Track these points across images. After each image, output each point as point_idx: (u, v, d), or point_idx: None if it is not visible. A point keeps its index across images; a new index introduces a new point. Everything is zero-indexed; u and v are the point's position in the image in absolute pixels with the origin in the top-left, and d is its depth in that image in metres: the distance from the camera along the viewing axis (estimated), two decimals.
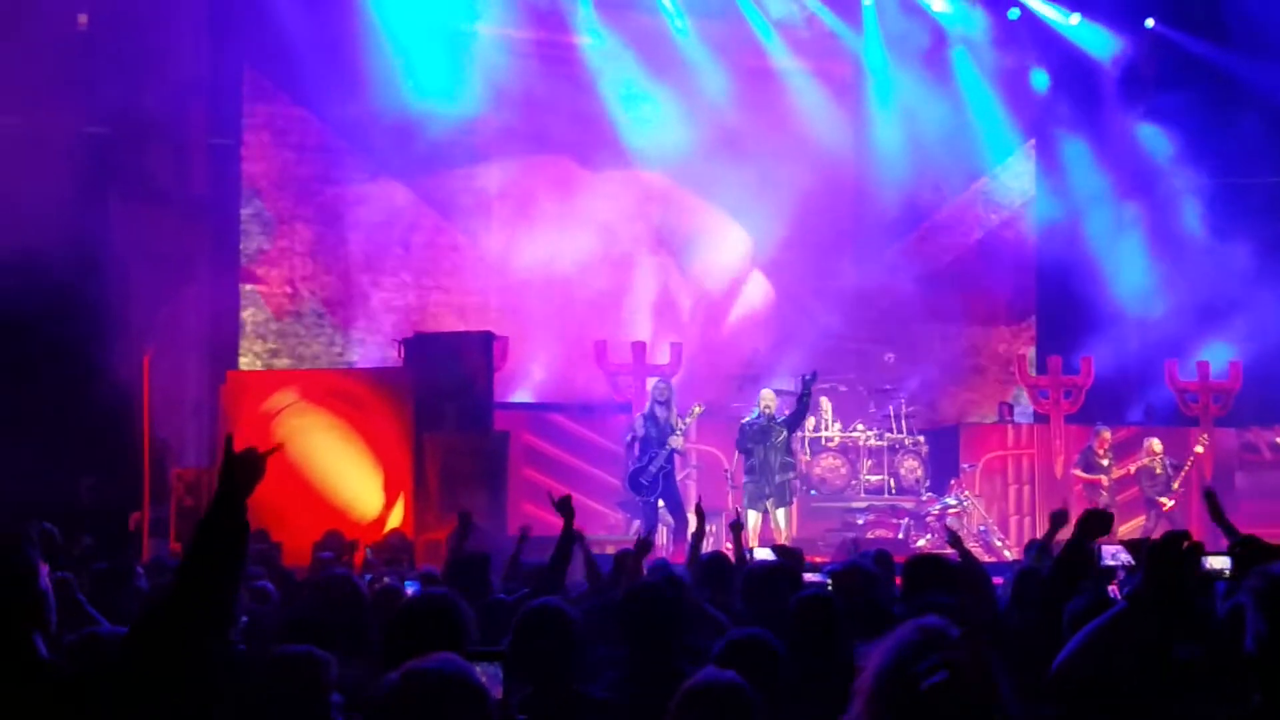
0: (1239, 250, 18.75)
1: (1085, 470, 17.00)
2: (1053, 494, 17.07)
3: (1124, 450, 17.38)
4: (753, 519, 14.36)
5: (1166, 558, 2.86)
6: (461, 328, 17.37)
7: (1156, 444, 17.05)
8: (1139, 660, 2.91)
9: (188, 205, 16.25)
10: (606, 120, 19.25)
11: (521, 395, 18.20)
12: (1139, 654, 2.89)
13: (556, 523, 7.13)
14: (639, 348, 17.47)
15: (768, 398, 14.89)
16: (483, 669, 3.10)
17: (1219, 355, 18.72)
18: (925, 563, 5.99)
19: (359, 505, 14.05)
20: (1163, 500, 16.63)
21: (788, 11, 20.22)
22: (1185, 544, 2.89)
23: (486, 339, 14.85)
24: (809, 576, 6.37)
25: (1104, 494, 16.60)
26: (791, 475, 14.81)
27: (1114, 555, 6.40)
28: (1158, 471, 16.83)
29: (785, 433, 14.54)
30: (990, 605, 6.01)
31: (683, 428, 14.72)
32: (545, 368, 18.66)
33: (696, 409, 15.02)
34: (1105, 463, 16.90)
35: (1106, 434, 16.99)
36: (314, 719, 3.45)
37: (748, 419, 14.82)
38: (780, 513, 14.51)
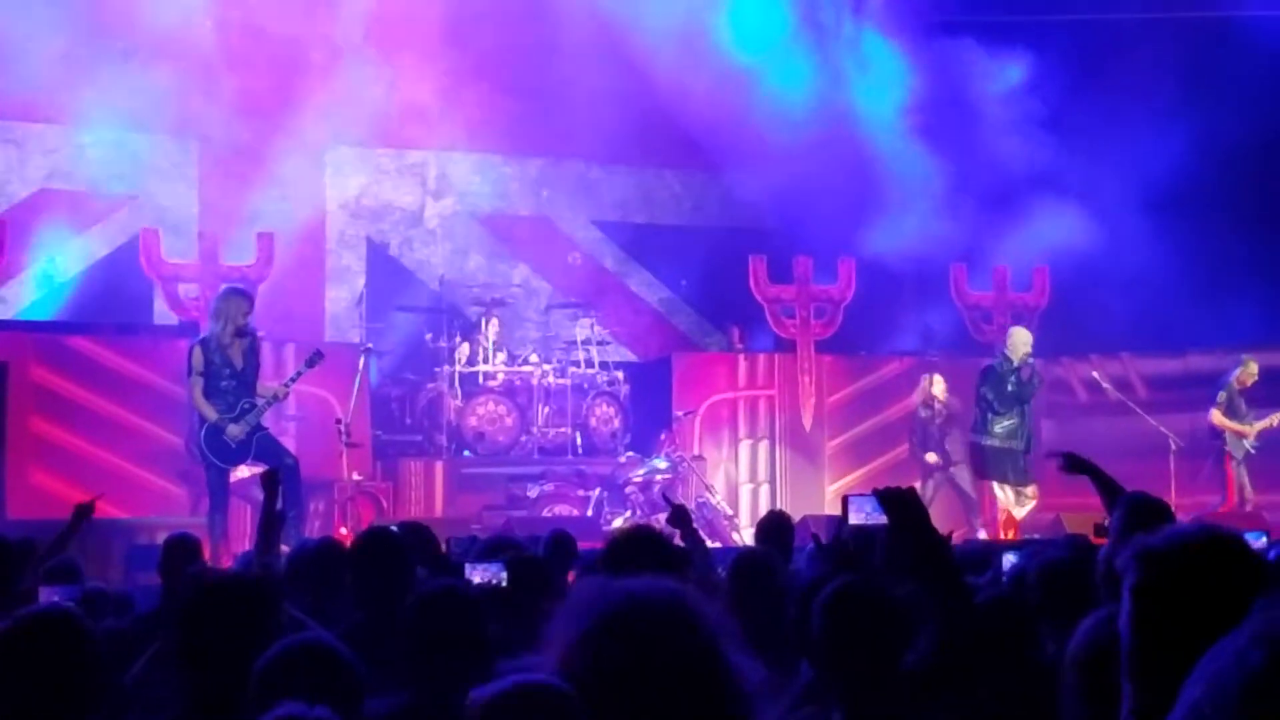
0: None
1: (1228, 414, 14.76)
2: (801, 450, 15.12)
3: (897, 388, 15.95)
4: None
5: (895, 502, 4.22)
6: None
7: (939, 383, 15.29)
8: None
9: None
10: None
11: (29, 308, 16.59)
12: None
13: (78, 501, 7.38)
14: (208, 241, 15.07)
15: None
16: None
17: (1020, 258, 16.97)
18: (635, 542, 5.21)
19: None
20: (929, 456, 14.96)
21: None
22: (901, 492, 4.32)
23: None
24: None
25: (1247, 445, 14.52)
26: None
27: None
28: (936, 420, 15.19)
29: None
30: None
31: (284, 393, 12.65)
32: (69, 262, 16.72)
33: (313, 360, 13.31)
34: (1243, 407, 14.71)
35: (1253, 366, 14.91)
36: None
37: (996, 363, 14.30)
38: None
